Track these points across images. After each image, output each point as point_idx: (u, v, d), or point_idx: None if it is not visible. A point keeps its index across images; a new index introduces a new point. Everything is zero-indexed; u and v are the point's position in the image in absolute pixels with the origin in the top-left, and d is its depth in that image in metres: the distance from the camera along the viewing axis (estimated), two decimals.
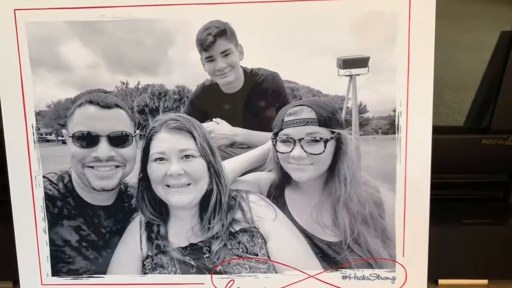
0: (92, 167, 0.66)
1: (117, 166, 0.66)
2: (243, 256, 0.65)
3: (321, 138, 0.65)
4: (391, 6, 0.63)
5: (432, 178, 0.67)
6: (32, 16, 0.65)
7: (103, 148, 0.65)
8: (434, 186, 0.67)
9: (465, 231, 0.79)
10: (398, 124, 0.66)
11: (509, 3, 1.02)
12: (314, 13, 0.64)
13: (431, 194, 0.67)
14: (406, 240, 0.68)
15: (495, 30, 0.94)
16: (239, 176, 0.69)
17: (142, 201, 0.68)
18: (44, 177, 0.68)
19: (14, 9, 0.65)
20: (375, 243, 0.67)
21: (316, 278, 0.69)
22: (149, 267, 0.66)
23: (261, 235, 0.66)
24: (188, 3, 0.64)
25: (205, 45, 0.65)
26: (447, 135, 0.83)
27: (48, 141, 0.68)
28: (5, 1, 0.64)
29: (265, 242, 0.65)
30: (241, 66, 0.67)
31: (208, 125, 0.67)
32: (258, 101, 0.69)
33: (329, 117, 0.65)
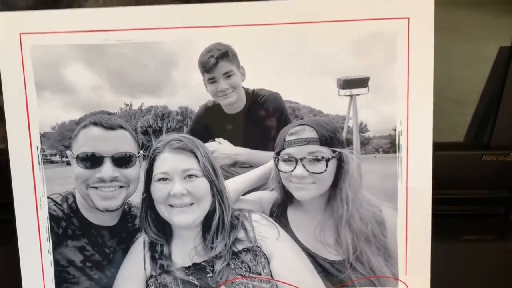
0: (96, 187, 0.66)
1: (120, 187, 0.67)
2: (246, 275, 0.65)
3: (322, 157, 0.65)
4: (391, 28, 0.64)
5: (433, 193, 0.67)
6: (37, 40, 0.65)
7: (107, 169, 0.66)
8: (435, 202, 0.68)
9: (466, 248, 0.79)
10: (398, 143, 0.66)
11: (509, 15, 1.02)
12: (315, 35, 0.65)
13: (432, 210, 0.67)
14: (408, 258, 0.67)
15: (495, 41, 0.94)
16: (242, 196, 0.69)
17: (145, 221, 0.68)
18: (48, 198, 0.68)
19: (20, 33, 0.65)
20: (377, 261, 0.67)
21: None
22: (153, 286, 0.66)
23: (264, 254, 0.65)
24: (191, 26, 0.65)
25: (207, 67, 0.66)
26: (448, 152, 0.83)
27: (52, 162, 0.68)
28: (11, 25, 0.65)
29: (268, 261, 0.65)
30: (243, 87, 0.68)
31: (210, 145, 0.68)
32: (260, 121, 0.69)
33: (330, 136, 0.65)
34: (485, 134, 0.88)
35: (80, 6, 0.79)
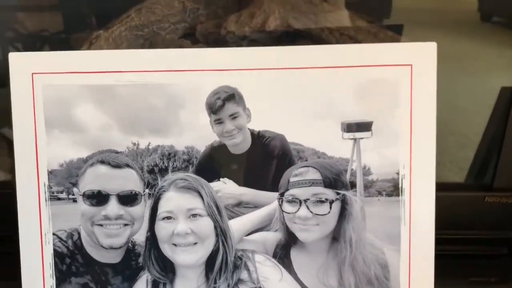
0: (101, 225, 0.67)
1: (125, 225, 0.67)
2: None
3: (326, 199, 0.65)
4: (394, 74, 0.66)
5: (436, 234, 0.67)
6: (48, 80, 0.67)
7: (113, 207, 0.66)
8: (437, 242, 0.68)
9: None
10: (401, 187, 0.66)
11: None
12: (319, 80, 0.66)
13: (435, 250, 0.67)
14: None
15: (500, 72, 0.95)
16: (246, 236, 0.69)
17: (149, 259, 0.67)
18: (54, 234, 0.69)
19: (32, 73, 0.67)
20: None
21: None
22: None
23: None
24: (199, 69, 0.66)
25: (214, 108, 0.67)
26: (449, 192, 0.83)
27: (59, 199, 0.69)
28: (24, 66, 0.67)
29: None
30: (248, 128, 0.69)
31: (215, 185, 0.68)
32: (265, 161, 0.70)
33: (334, 178, 0.66)
34: (488, 173, 0.88)
35: (90, 45, 0.81)
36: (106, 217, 0.67)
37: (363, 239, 0.67)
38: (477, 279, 0.83)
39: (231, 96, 0.66)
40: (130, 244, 0.70)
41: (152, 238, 0.67)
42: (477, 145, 0.98)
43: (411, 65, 0.65)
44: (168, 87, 0.66)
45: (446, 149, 0.90)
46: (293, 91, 0.66)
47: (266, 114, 0.68)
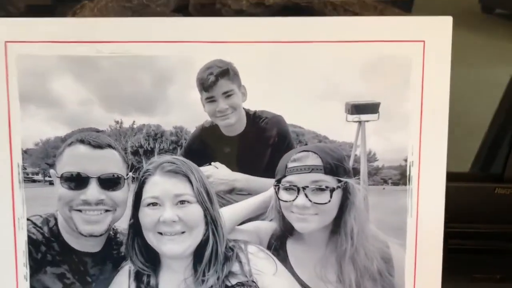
0: (80, 210, 0.62)
1: (106, 211, 0.62)
2: None
3: (326, 187, 0.61)
4: (404, 50, 0.60)
5: (444, 228, 0.64)
6: (24, 49, 0.61)
7: (93, 191, 0.61)
8: (444, 236, 0.64)
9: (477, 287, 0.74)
10: (409, 175, 0.62)
11: None
12: (323, 55, 0.61)
13: (444, 247, 0.64)
14: None
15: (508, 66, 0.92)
16: (238, 225, 0.65)
17: (132, 249, 0.63)
18: (28, 219, 0.64)
19: (5, 42, 0.61)
20: None
21: None
22: None
23: None
24: (190, 41, 0.61)
25: (206, 85, 0.62)
26: (458, 183, 0.78)
27: (34, 181, 0.64)
28: None
29: None
30: (243, 108, 0.64)
31: (206, 169, 0.64)
32: (261, 145, 0.66)
33: (336, 164, 0.61)
34: (497, 166, 0.83)
35: (74, 15, 0.75)
36: (86, 202, 0.62)
37: (365, 231, 0.63)
38: (481, 276, 0.79)
39: (225, 72, 0.62)
40: (111, 232, 0.66)
41: (135, 226, 0.63)
42: (484, 134, 0.94)
43: (423, 41, 0.60)
44: (155, 60, 0.61)
45: (453, 139, 0.85)
46: (293, 67, 0.61)
47: (263, 93, 0.63)
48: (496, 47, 1.09)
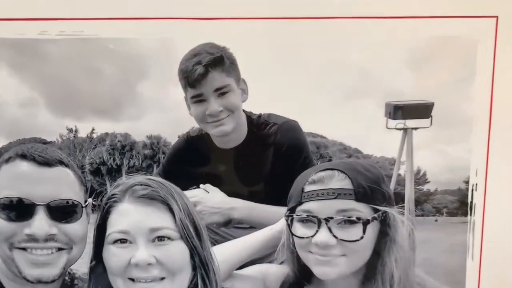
0: (24, 249, 0.52)
1: (59, 249, 0.52)
2: None
3: (358, 219, 0.50)
4: (469, 30, 0.49)
5: None
6: None
7: (40, 223, 0.51)
8: None
9: None
10: (471, 202, 0.51)
11: None
12: (354, 36, 0.48)
13: None
14: None
15: None
16: (237, 269, 0.56)
17: None
18: None
19: None
20: None
21: None
22: None
23: None
24: (169, 17, 0.49)
25: (192, 78, 0.50)
26: None
27: None
28: None
29: None
30: (243, 111, 0.54)
31: (193, 194, 0.54)
32: (267, 160, 0.54)
33: (371, 188, 0.51)
34: None
35: None
36: (32, 238, 0.51)
37: (410, 278, 0.52)
38: None
39: (218, 60, 0.50)
40: (67, 278, 0.56)
41: (99, 270, 0.53)
42: None
43: (496, 16, 0.46)
44: (121, 44, 0.50)
45: None
46: (314, 54, 0.49)
47: (270, 89, 0.53)
48: None
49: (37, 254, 0.52)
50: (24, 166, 0.52)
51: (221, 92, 0.51)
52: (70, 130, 0.52)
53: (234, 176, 0.53)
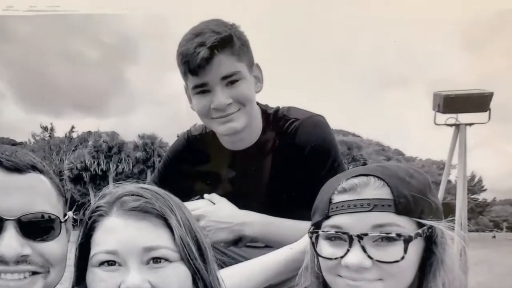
0: None
1: (34, 273, 0.46)
2: None
3: (399, 235, 0.43)
4: None
5: None
6: None
7: (10, 241, 0.44)
8: None
9: None
10: None
11: None
12: (392, 12, 0.39)
13: None
14: None
15: None
16: None
17: None
18: None
19: None
20: None
21: None
22: None
23: None
24: None
25: (194, 63, 0.40)
26: None
27: None
28: None
29: None
30: (257, 103, 0.44)
31: (196, 206, 0.44)
32: (286, 165, 0.44)
33: (415, 198, 0.43)
34: None
35: None
36: (0, 260, 0.44)
37: None
38: None
39: (226, 41, 0.39)
40: None
41: None
42: None
43: None
44: (105, 22, 0.45)
45: None
46: (342, 32, 0.40)
47: (291, 78, 0.44)
48: None
49: (6, 279, 0.45)
50: None
51: (230, 80, 0.41)
52: (45, 129, 0.47)
53: (246, 184, 0.44)
